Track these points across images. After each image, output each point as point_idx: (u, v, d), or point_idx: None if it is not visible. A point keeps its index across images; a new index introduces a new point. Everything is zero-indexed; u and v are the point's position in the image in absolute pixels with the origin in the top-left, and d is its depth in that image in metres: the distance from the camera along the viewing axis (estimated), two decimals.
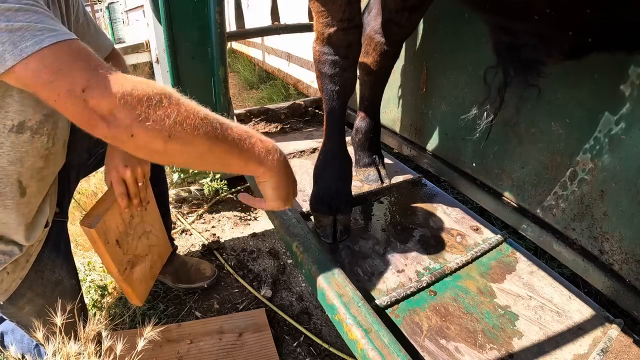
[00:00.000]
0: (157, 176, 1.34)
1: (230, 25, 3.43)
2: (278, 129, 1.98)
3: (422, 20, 1.40)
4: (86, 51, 0.63)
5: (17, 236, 0.89)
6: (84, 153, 1.16)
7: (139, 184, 0.97)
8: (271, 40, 3.82)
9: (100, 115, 0.60)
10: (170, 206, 1.58)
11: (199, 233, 1.82)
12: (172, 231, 1.50)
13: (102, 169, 1.33)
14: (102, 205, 0.94)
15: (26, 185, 0.89)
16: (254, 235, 1.83)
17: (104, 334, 0.85)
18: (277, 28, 2.14)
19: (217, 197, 2.06)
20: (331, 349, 1.29)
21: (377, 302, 0.97)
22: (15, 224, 0.88)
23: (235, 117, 1.92)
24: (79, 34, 1.03)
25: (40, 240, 0.98)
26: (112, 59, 1.14)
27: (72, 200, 1.69)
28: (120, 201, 0.95)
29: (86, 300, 1.36)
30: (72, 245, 1.64)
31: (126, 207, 0.97)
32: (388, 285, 1.03)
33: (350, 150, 1.42)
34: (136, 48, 3.72)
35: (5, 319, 1.17)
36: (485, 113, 1.14)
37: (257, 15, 3.91)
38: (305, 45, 3.02)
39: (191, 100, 0.68)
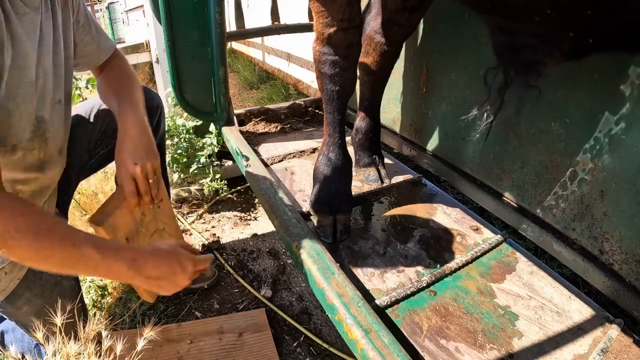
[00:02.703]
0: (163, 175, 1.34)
1: (230, 25, 3.43)
2: (278, 129, 1.98)
3: (422, 20, 1.40)
4: None
5: None
6: (84, 154, 1.16)
7: (150, 181, 0.96)
8: (271, 40, 3.82)
9: None
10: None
11: (199, 233, 1.82)
12: None
13: (105, 168, 1.33)
14: (112, 203, 0.93)
15: (18, 191, 0.90)
16: (254, 235, 1.83)
17: (104, 334, 0.85)
18: (277, 28, 2.13)
19: (217, 197, 2.06)
20: (331, 349, 1.29)
21: (377, 302, 0.97)
22: None
23: (235, 117, 1.92)
24: (79, 35, 1.03)
25: None
26: (114, 59, 1.14)
27: (72, 200, 1.69)
28: (130, 199, 0.94)
29: (86, 300, 1.36)
30: None
31: (136, 205, 0.95)
32: (388, 285, 1.03)
33: (350, 150, 1.42)
34: (136, 48, 3.71)
35: (5, 318, 1.17)
36: (485, 114, 1.14)
37: (257, 15, 3.91)
38: (305, 45, 3.02)
39: (40, 213, 0.68)
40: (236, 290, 1.53)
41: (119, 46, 1.22)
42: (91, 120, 1.15)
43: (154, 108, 1.24)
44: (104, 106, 1.15)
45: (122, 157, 0.94)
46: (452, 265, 1.08)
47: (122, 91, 1.04)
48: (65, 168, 1.08)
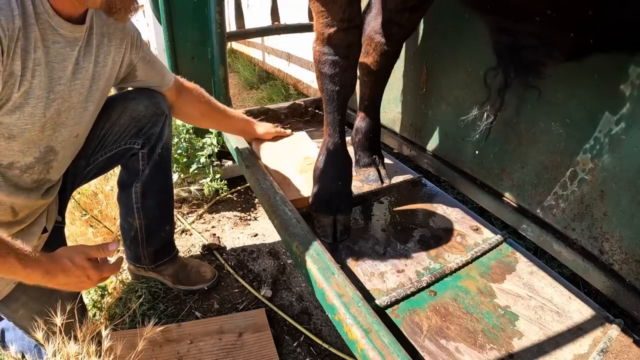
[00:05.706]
0: (165, 185, 1.33)
1: (230, 25, 3.43)
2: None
3: (422, 20, 1.40)
4: None
5: None
6: (80, 160, 1.14)
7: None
8: (271, 40, 3.82)
9: None
10: None
11: (199, 233, 1.82)
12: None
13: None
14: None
15: (19, 210, 0.93)
16: (254, 235, 1.83)
17: (104, 334, 0.85)
18: (277, 28, 2.13)
19: (217, 197, 2.06)
20: (331, 349, 1.29)
21: (377, 302, 0.97)
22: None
23: None
24: (143, 69, 1.14)
25: (38, 246, 0.99)
26: (186, 89, 1.29)
27: (72, 200, 1.69)
28: (283, 133, 1.60)
29: (86, 301, 1.36)
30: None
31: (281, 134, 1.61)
32: (388, 285, 1.03)
33: (350, 150, 1.42)
34: None
35: None
36: (485, 114, 1.14)
37: (257, 15, 3.91)
38: (305, 45, 3.02)
39: None
40: (236, 290, 1.53)
41: None
42: (90, 126, 1.12)
43: (158, 115, 1.19)
44: (103, 113, 1.14)
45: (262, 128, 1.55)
46: (452, 265, 1.08)
47: (230, 112, 1.46)
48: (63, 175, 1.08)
